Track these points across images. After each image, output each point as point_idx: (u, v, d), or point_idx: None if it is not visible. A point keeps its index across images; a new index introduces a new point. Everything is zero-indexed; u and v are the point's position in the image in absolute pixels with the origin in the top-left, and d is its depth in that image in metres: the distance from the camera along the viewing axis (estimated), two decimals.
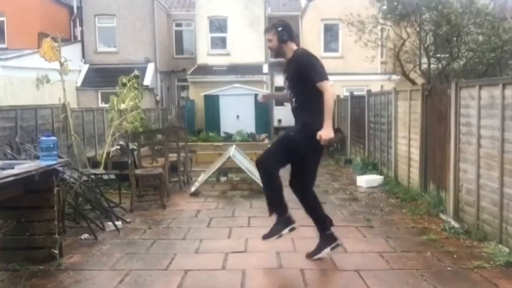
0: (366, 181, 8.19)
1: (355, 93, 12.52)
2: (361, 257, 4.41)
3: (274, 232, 4.23)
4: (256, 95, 17.59)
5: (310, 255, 4.31)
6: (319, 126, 3.94)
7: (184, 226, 5.64)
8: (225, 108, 17.85)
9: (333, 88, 4.67)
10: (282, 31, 4.18)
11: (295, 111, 4.24)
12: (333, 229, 4.30)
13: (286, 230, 4.20)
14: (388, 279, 3.86)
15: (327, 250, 4.26)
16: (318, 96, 3.98)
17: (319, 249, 4.29)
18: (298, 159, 4.16)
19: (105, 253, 4.63)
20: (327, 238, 4.27)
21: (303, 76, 4.05)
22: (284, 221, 4.21)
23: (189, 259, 4.41)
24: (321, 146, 4.00)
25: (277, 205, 4.22)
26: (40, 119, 7.39)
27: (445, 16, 9.46)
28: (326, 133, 3.88)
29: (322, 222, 4.29)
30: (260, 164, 4.24)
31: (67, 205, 5.28)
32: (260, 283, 3.93)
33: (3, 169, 3.66)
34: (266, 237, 4.27)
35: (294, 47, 4.24)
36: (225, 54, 20.51)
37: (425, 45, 10.43)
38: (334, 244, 4.27)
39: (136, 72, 9.21)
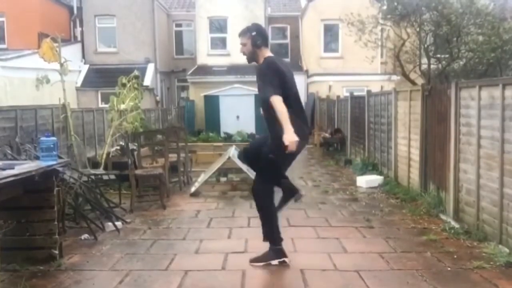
0: (366, 181, 8.19)
1: (355, 93, 12.52)
2: (361, 257, 4.41)
3: (264, 259, 4.19)
4: (255, 95, 17.68)
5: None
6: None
7: (184, 227, 5.64)
8: (225, 108, 17.85)
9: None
10: (256, 35, 4.07)
11: (263, 117, 4.21)
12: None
13: (276, 261, 4.15)
14: (388, 280, 3.86)
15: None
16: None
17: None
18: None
19: (105, 253, 4.63)
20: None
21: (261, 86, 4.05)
22: (276, 252, 4.18)
23: (189, 260, 4.41)
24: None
25: (270, 234, 4.19)
26: (40, 119, 7.40)
27: (445, 17, 9.46)
28: (287, 136, 3.71)
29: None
30: (253, 193, 4.27)
31: (67, 205, 5.27)
32: (260, 283, 3.94)
33: (3, 169, 3.66)
34: (253, 261, 4.23)
35: (266, 53, 4.11)
36: (225, 54, 20.51)
37: (425, 46, 10.43)
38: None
39: (136, 73, 9.22)
